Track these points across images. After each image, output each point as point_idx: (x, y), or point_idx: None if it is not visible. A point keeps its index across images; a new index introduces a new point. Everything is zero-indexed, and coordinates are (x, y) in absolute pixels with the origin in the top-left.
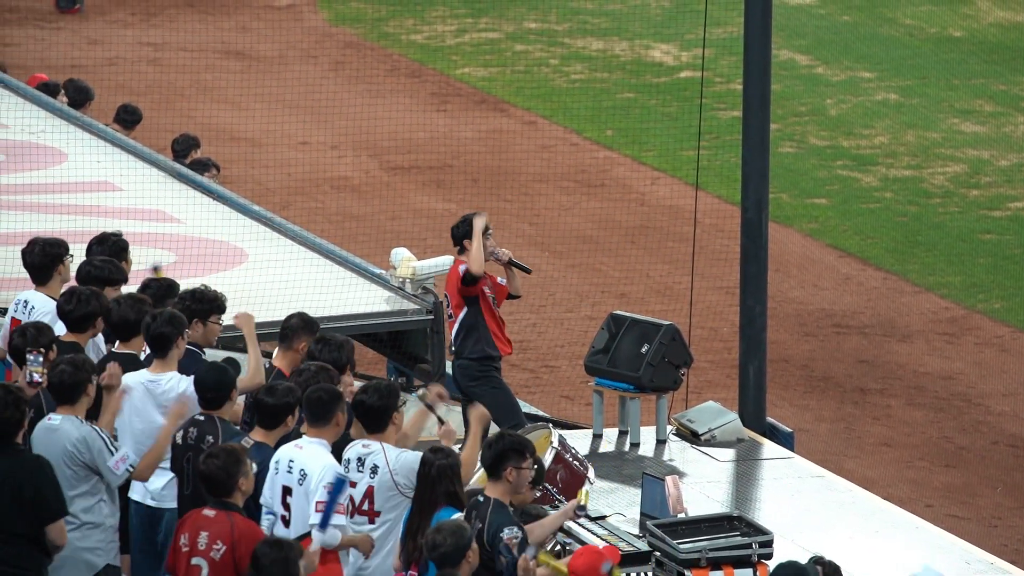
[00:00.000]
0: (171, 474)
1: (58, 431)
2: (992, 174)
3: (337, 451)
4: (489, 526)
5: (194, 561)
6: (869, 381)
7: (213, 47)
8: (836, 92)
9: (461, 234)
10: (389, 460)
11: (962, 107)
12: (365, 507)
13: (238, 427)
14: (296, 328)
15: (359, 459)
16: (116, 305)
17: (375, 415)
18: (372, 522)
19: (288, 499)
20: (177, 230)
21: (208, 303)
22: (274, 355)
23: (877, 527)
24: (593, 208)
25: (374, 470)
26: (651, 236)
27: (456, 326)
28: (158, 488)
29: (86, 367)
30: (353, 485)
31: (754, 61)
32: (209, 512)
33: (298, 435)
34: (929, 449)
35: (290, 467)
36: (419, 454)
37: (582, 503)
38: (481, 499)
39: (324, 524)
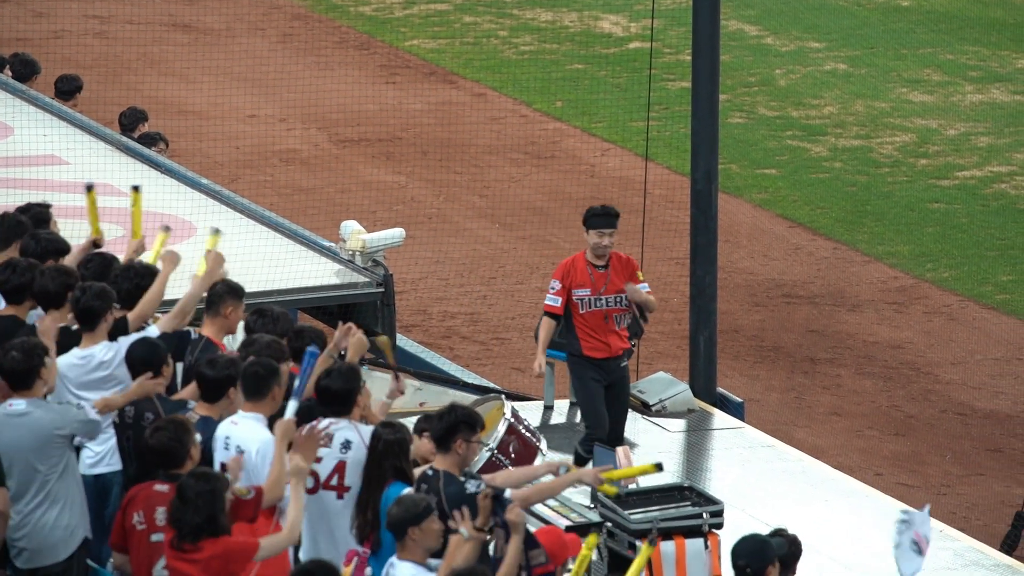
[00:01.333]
0: (115, 439)
1: (30, 416)
2: (940, 143)
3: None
4: (447, 498)
5: (154, 538)
6: (819, 351)
7: (160, 20)
8: (785, 62)
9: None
10: (363, 436)
11: (910, 77)
12: (333, 482)
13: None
14: (222, 294)
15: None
16: (39, 275)
17: (341, 398)
18: (340, 497)
19: (226, 475)
20: (125, 204)
21: (147, 277)
22: (203, 324)
23: (827, 496)
24: (543, 180)
25: (346, 445)
26: None
27: None
28: (103, 455)
29: (37, 351)
30: (318, 460)
31: (703, 32)
32: (162, 487)
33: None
34: (878, 418)
35: (227, 444)
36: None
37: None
38: (430, 472)
39: (300, 391)
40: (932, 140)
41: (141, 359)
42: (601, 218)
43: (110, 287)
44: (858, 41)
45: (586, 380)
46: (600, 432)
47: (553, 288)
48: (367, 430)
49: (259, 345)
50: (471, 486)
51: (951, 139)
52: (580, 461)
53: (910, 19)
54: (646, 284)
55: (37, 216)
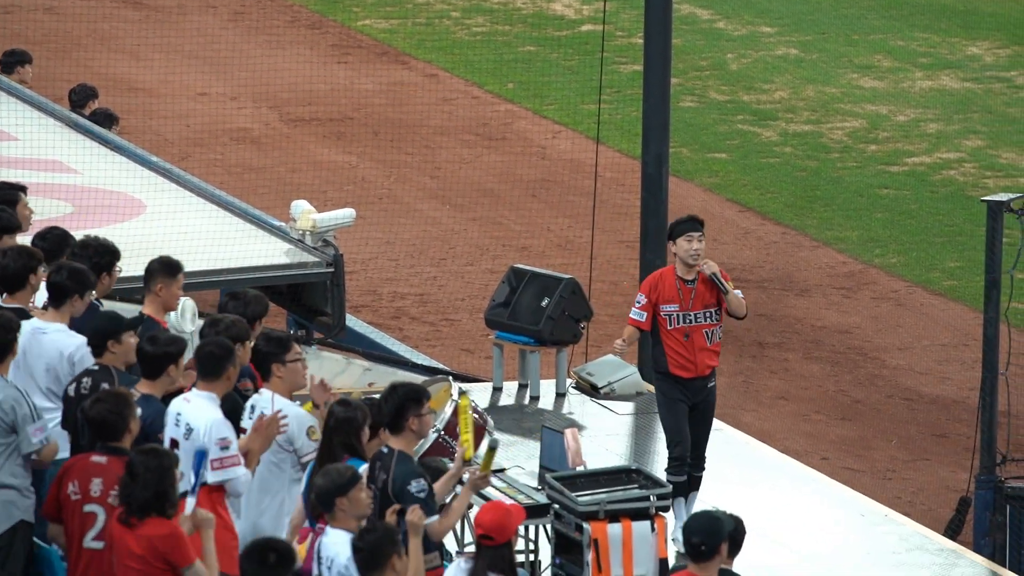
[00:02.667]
0: (55, 422)
1: None
2: (890, 129)
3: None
4: (395, 478)
5: (88, 508)
6: (767, 335)
7: None
8: (737, 47)
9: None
10: (274, 408)
11: (861, 62)
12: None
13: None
14: (153, 271)
15: (251, 406)
16: (1, 256)
17: (260, 360)
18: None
19: (176, 452)
20: (74, 180)
21: (110, 254)
22: (144, 302)
23: (773, 480)
24: (494, 161)
25: (254, 415)
26: (552, 190)
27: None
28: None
29: (11, 326)
30: (244, 431)
31: (655, 15)
32: (99, 458)
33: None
34: (825, 402)
35: (177, 420)
36: (303, 411)
37: (470, 456)
38: (385, 450)
39: (194, 489)
40: (882, 126)
41: (97, 331)
42: (687, 223)
43: (87, 269)
44: (810, 26)
45: (670, 398)
46: (680, 450)
47: (639, 303)
48: (282, 403)
49: (224, 324)
50: (413, 487)
51: (901, 125)
52: (675, 489)
53: (862, 5)
54: (740, 291)
55: (5, 199)
